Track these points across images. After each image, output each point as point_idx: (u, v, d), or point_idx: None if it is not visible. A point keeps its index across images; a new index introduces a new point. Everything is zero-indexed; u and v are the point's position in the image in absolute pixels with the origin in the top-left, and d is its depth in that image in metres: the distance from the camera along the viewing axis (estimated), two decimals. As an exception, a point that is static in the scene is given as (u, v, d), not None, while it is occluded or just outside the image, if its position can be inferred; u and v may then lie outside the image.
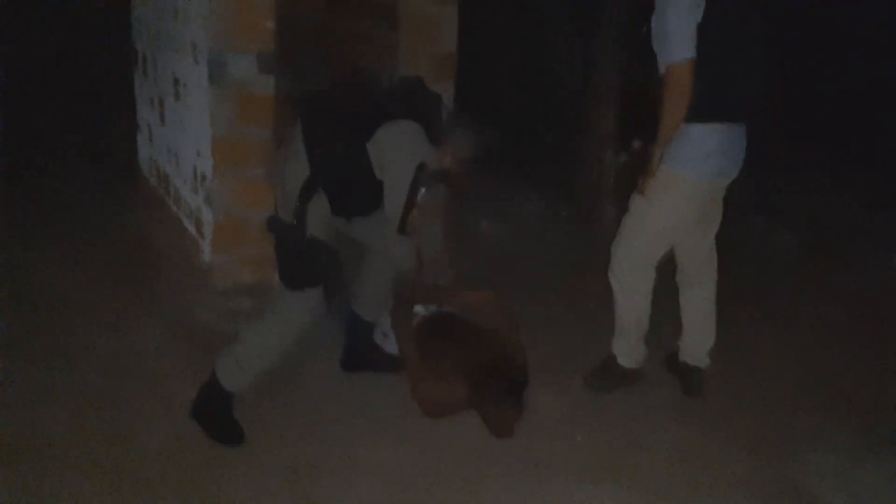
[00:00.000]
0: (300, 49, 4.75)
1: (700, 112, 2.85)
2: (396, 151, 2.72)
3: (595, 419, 3.18)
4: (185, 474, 2.66)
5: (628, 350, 3.35)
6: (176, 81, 4.16)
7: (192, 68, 3.86)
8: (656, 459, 2.94)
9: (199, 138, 3.84)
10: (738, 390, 3.45)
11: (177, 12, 4.01)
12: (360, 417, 3.07)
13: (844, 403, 3.40)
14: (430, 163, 2.79)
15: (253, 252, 3.84)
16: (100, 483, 2.59)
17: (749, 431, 3.15)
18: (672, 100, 2.82)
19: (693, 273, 3.31)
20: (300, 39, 4.77)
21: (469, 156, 2.90)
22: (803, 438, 3.11)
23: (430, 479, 2.74)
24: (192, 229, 4.12)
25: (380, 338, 3.40)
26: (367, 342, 3.40)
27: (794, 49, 7.58)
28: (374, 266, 3.22)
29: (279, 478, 2.69)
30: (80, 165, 5.62)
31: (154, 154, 4.81)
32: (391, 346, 3.31)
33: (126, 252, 4.37)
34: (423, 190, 2.76)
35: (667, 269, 3.31)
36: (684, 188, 3.00)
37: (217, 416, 2.88)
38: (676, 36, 2.78)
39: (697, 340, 3.38)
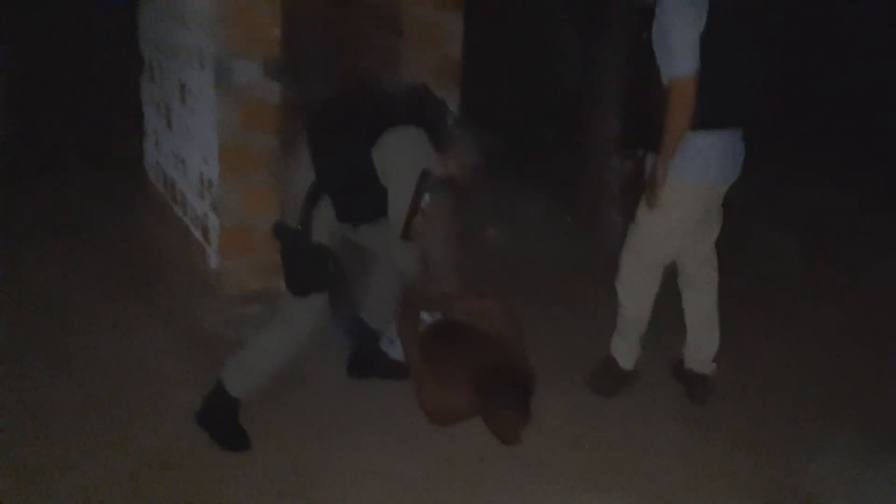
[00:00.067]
0: (306, 56, 4.77)
1: (705, 120, 2.88)
2: (400, 157, 2.74)
3: (598, 422, 3.21)
4: (188, 479, 2.69)
5: (628, 351, 3.39)
6: (182, 87, 4.18)
7: (198, 74, 3.88)
8: (661, 464, 2.96)
9: (206, 144, 3.86)
10: (739, 392, 3.48)
11: (183, 18, 4.02)
12: (366, 424, 3.09)
13: (846, 405, 3.42)
14: (434, 169, 2.80)
15: (259, 258, 3.86)
16: (102, 485, 2.62)
17: (751, 433, 3.18)
18: (676, 112, 2.84)
19: (694, 275, 3.34)
20: (305, 46, 4.79)
21: (474, 162, 2.91)
22: (805, 440, 3.14)
23: (436, 486, 2.77)
24: (198, 235, 4.14)
25: (386, 344, 3.42)
26: (373, 349, 3.43)
27: (794, 49, 7.60)
28: (380, 273, 3.24)
29: (284, 483, 2.72)
30: (86, 170, 5.64)
31: (160, 159, 4.83)
32: (397, 353, 3.33)
33: (132, 257, 4.40)
34: (426, 196, 2.77)
35: (669, 271, 3.35)
36: (691, 195, 3.04)
37: (223, 421, 2.90)
38: (680, 49, 2.80)
39: (701, 344, 3.40)
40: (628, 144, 4.56)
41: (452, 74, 4.21)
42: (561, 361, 3.57)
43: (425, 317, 3.34)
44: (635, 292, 3.26)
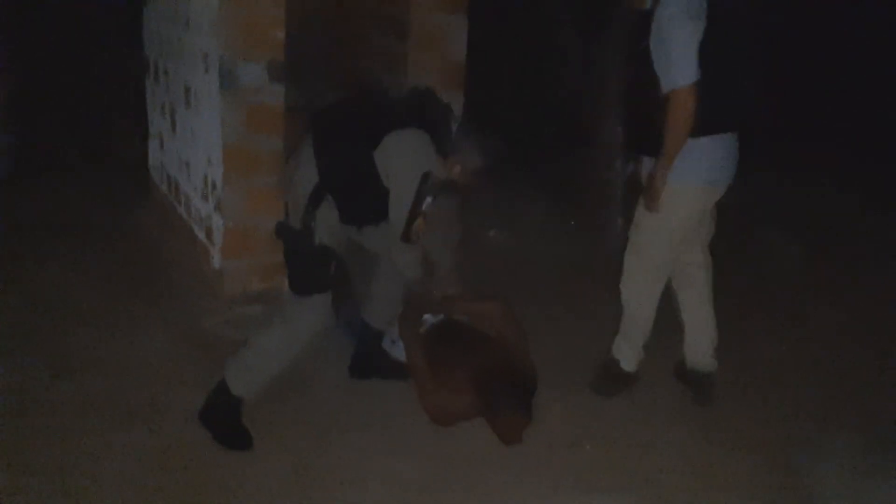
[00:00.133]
0: (310, 59, 4.79)
1: (705, 125, 2.90)
2: (401, 159, 2.76)
3: (598, 422, 3.22)
4: (188, 479, 2.69)
5: (631, 354, 3.41)
6: (187, 89, 4.19)
7: (202, 76, 3.89)
8: (661, 464, 2.97)
9: (210, 146, 3.88)
10: (739, 392, 3.49)
11: (188, 21, 4.04)
12: (367, 424, 3.10)
13: (846, 406, 3.43)
14: (436, 172, 2.82)
15: (263, 259, 3.88)
16: (102, 485, 2.63)
17: (751, 433, 3.19)
18: (676, 122, 2.86)
19: (691, 276, 3.36)
20: (310, 50, 4.81)
21: (477, 167, 2.93)
22: (805, 441, 3.15)
23: (437, 486, 2.77)
24: (202, 236, 4.16)
25: (388, 345, 3.44)
26: (376, 349, 3.44)
27: (794, 49, 7.61)
28: (383, 274, 3.25)
29: (284, 483, 2.72)
30: (90, 172, 5.66)
31: (165, 161, 4.84)
32: (399, 353, 3.35)
33: (134, 258, 4.41)
34: (428, 199, 2.79)
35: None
36: (692, 197, 3.08)
37: (225, 421, 2.91)
38: (680, 61, 2.81)
39: (701, 342, 3.41)
40: (628, 148, 4.57)
41: (455, 76, 4.23)
42: (561, 362, 3.58)
43: (428, 318, 3.36)
44: (640, 294, 3.29)
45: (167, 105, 4.65)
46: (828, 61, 7.88)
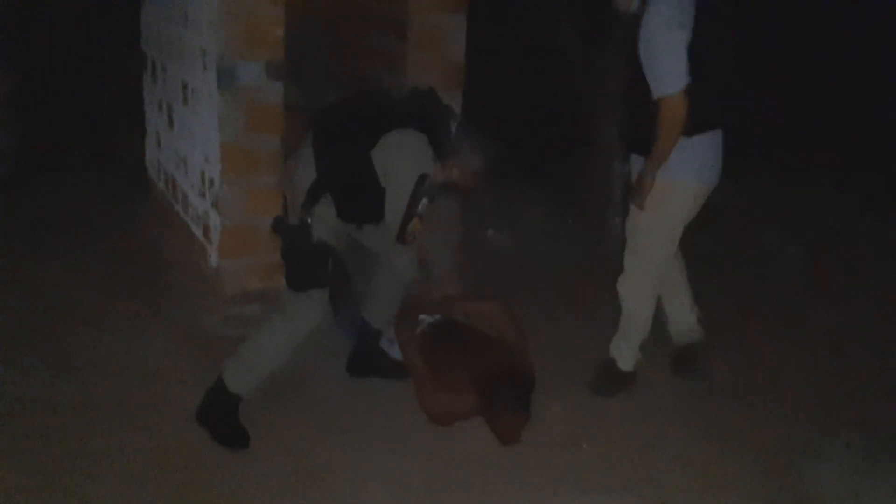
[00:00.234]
0: (310, 59, 4.79)
1: (697, 124, 2.93)
2: (398, 160, 2.77)
3: (598, 422, 3.22)
4: (188, 479, 2.70)
5: (629, 354, 3.41)
6: (185, 87, 4.19)
7: (201, 74, 3.89)
8: (661, 464, 2.98)
9: (208, 144, 3.87)
10: (739, 392, 3.49)
11: (186, 18, 4.04)
12: (367, 424, 3.10)
13: (846, 407, 3.43)
14: (433, 174, 2.82)
15: (260, 258, 3.87)
16: (102, 485, 2.63)
17: (751, 434, 3.19)
18: (667, 127, 2.91)
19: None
20: (310, 49, 4.81)
21: (477, 169, 2.93)
22: (805, 441, 3.14)
23: (436, 485, 2.78)
24: (199, 235, 4.15)
25: (386, 344, 3.44)
26: (374, 348, 3.44)
27: (793, 49, 7.62)
28: (384, 273, 3.25)
29: (284, 483, 2.73)
30: (87, 169, 5.65)
31: (162, 159, 4.84)
32: (397, 353, 3.35)
33: (133, 256, 4.42)
34: (424, 201, 2.79)
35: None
36: (690, 195, 3.12)
37: (223, 419, 2.91)
38: (670, 68, 2.85)
39: (682, 313, 3.50)
40: (622, 147, 4.59)
41: (455, 76, 4.22)
42: (561, 362, 3.58)
43: (424, 318, 3.36)
44: (638, 294, 3.30)
45: (165, 102, 4.65)
46: (828, 62, 7.88)
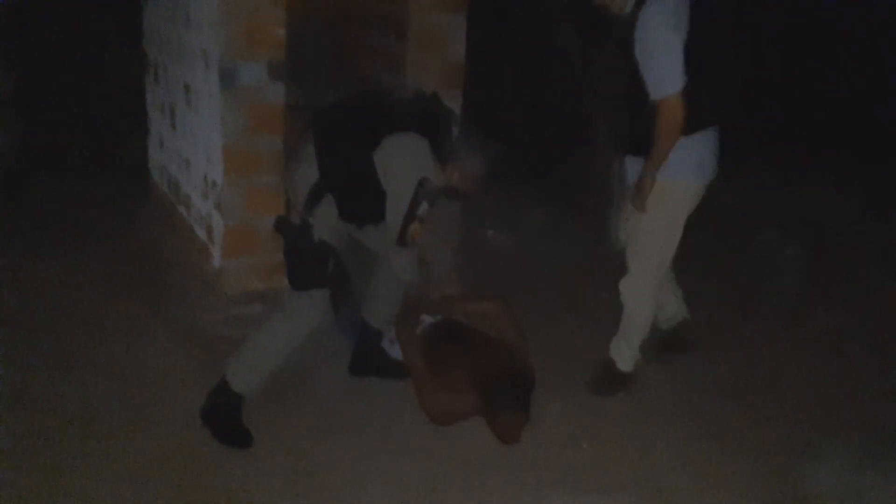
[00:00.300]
0: (309, 59, 4.79)
1: (695, 123, 2.94)
2: (398, 163, 2.77)
3: (598, 422, 3.22)
4: (189, 479, 2.70)
5: (629, 355, 3.42)
6: (187, 88, 4.20)
7: (203, 75, 3.90)
8: (661, 464, 2.98)
9: (210, 145, 3.88)
10: (739, 393, 3.49)
11: (188, 19, 4.04)
12: (367, 424, 3.10)
13: (846, 407, 3.43)
14: (433, 178, 2.82)
15: (263, 259, 3.88)
16: (102, 485, 2.63)
17: (751, 434, 3.19)
18: (666, 128, 2.92)
19: None
20: (310, 49, 4.81)
21: (477, 173, 2.93)
22: (805, 442, 3.14)
23: (436, 485, 2.78)
24: (202, 235, 4.16)
25: (387, 344, 3.45)
26: (375, 348, 3.45)
27: (793, 49, 7.62)
28: (384, 273, 3.25)
29: (284, 483, 2.73)
30: (88, 170, 5.65)
31: (164, 160, 4.85)
32: (398, 353, 3.35)
33: (134, 257, 4.41)
34: (424, 204, 2.79)
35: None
36: (692, 194, 3.14)
37: (226, 419, 2.92)
38: (668, 70, 2.86)
39: (671, 299, 3.57)
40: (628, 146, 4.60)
41: (455, 76, 4.22)
42: (561, 362, 3.58)
43: (425, 318, 3.36)
44: (639, 294, 3.30)
45: (167, 103, 4.65)
46: (828, 62, 7.88)
